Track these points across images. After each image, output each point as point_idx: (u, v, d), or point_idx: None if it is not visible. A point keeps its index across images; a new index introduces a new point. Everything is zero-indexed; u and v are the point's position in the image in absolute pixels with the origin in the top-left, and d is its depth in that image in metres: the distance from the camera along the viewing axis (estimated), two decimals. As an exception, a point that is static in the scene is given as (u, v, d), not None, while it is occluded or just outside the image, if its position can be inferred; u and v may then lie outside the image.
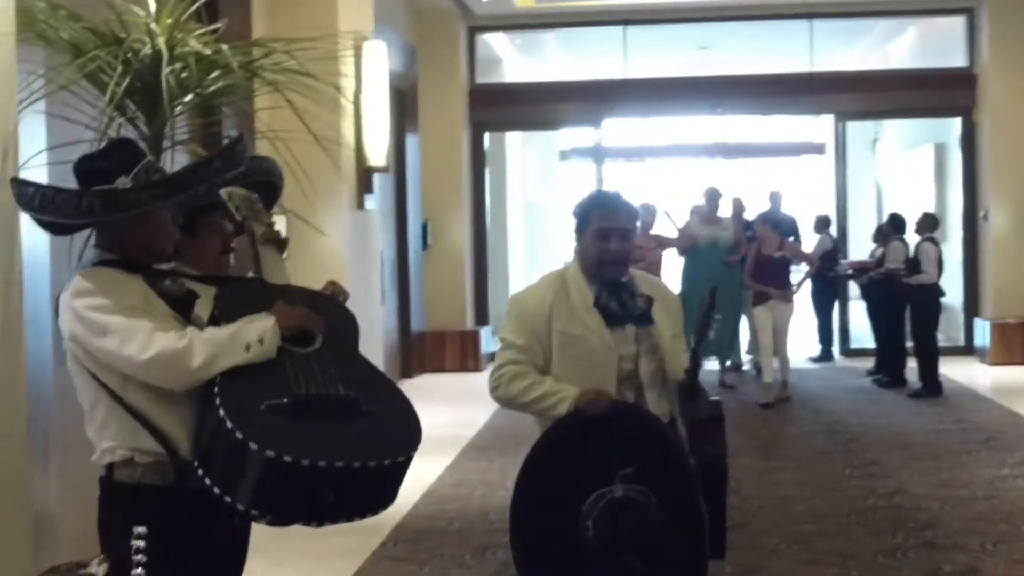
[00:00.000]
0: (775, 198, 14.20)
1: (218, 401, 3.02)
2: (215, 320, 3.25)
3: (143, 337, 3.05)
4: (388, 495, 3.17)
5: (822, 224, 14.36)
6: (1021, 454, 8.43)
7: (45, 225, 3.40)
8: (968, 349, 14.18)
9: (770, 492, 7.48)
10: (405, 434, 3.19)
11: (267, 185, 3.86)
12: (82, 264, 3.34)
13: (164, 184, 3.30)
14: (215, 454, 3.04)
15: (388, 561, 6.11)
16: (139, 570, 3.18)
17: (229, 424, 2.97)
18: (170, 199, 3.30)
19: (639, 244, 12.28)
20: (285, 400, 3.05)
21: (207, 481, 3.02)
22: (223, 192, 3.56)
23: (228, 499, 3.00)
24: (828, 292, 14.07)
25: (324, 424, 3.07)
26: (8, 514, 4.58)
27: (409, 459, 3.15)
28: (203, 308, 3.34)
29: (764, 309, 11.23)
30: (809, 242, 14.45)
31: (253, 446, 2.93)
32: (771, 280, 11.22)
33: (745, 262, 11.73)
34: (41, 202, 3.24)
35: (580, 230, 4.12)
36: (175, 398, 3.13)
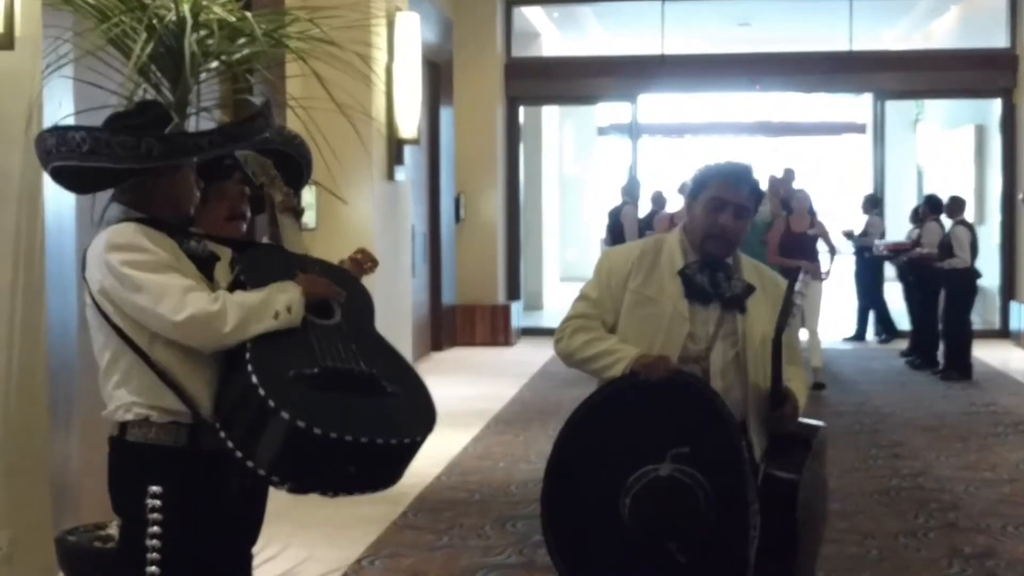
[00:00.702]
0: (788, 174, 13.56)
1: (250, 368, 3.03)
2: (240, 283, 3.27)
3: (177, 297, 3.06)
4: (398, 473, 3.23)
5: (871, 203, 14.20)
6: (1049, 438, 8.36)
7: (73, 178, 3.31)
8: (1004, 332, 14.06)
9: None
10: (423, 415, 3.24)
11: (293, 165, 3.86)
12: (107, 220, 3.31)
13: (217, 132, 3.35)
14: (240, 417, 3.05)
15: (408, 530, 6.13)
16: (155, 528, 3.16)
17: (262, 392, 2.98)
18: (224, 147, 3.36)
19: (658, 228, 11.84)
20: (315, 371, 3.08)
21: (229, 444, 3.03)
22: (239, 155, 3.58)
23: (249, 463, 3.01)
24: (873, 273, 13.93)
25: (349, 398, 3.10)
26: (28, 476, 4.64)
27: (424, 440, 3.20)
28: (220, 270, 3.38)
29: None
30: (857, 222, 14.38)
31: (285, 415, 2.95)
32: (800, 257, 10.64)
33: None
34: (93, 146, 3.13)
35: (694, 195, 3.75)
36: (201, 359, 3.14)
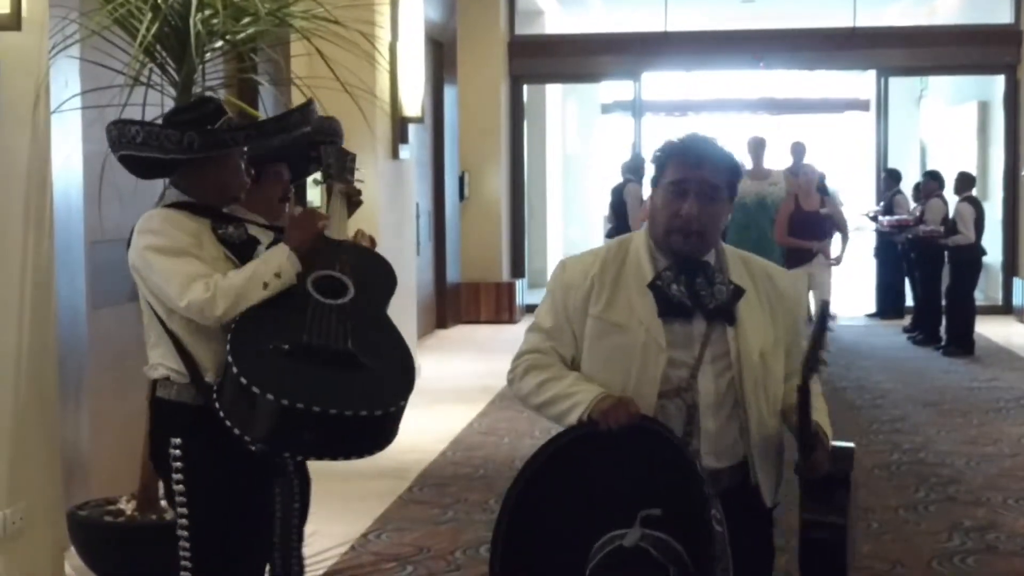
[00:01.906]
0: (798, 150, 12.82)
1: (229, 337, 3.36)
2: None
3: (181, 283, 3.38)
4: (372, 443, 3.43)
5: (894, 179, 14.06)
6: (1051, 413, 8.42)
7: (136, 165, 3.66)
8: (1006, 308, 14.09)
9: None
10: (389, 393, 3.43)
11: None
12: (164, 201, 3.67)
13: (254, 127, 3.74)
14: (226, 385, 3.36)
15: (413, 505, 6.20)
16: (178, 476, 3.47)
17: (230, 358, 3.31)
18: (259, 141, 3.67)
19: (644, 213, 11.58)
20: (286, 347, 3.35)
21: (217, 406, 3.35)
22: (322, 147, 3.93)
23: (228, 423, 3.31)
24: (890, 251, 13.89)
25: (319, 370, 3.34)
26: (39, 452, 4.69)
27: (387, 414, 3.38)
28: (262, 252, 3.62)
29: (800, 269, 9.90)
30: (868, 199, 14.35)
31: (243, 380, 3.26)
32: (809, 237, 10.23)
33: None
34: (145, 138, 3.53)
35: (654, 183, 3.12)
36: (211, 332, 3.44)
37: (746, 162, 11.21)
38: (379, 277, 3.77)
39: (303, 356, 3.36)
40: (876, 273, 14.26)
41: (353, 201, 3.94)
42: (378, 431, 3.42)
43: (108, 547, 4.96)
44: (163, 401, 3.51)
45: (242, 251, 3.57)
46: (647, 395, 2.97)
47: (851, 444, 3.16)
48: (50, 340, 4.78)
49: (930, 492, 6.37)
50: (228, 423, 3.31)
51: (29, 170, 4.62)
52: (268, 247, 3.59)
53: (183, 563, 3.51)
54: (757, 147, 11.29)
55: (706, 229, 3.02)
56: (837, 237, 10.70)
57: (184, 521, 3.48)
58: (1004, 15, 14.28)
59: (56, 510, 4.85)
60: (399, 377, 3.53)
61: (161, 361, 3.50)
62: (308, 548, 5.20)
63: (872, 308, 14.21)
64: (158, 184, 5.48)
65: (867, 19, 14.72)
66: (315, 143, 3.99)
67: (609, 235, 13.14)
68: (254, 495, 3.60)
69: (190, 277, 3.39)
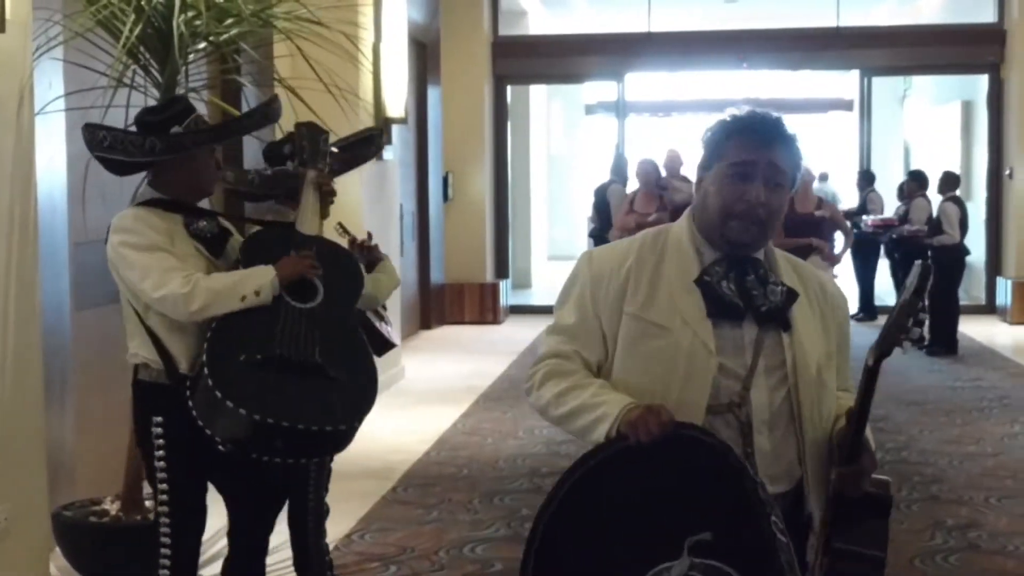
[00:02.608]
0: None
1: (206, 346, 3.53)
2: (238, 264, 3.73)
3: (157, 276, 3.55)
4: (334, 449, 3.74)
5: (866, 180, 14.15)
6: (1034, 412, 8.46)
7: (108, 164, 3.87)
8: (990, 308, 14.15)
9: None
10: (353, 407, 3.63)
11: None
12: (138, 199, 3.83)
13: (211, 131, 3.85)
14: (198, 387, 3.53)
15: (397, 505, 6.20)
16: (160, 452, 3.67)
17: (206, 370, 3.48)
18: (219, 141, 3.85)
19: (633, 210, 10.48)
20: (259, 357, 3.54)
21: (191, 404, 3.54)
22: (296, 125, 4.07)
23: (200, 423, 3.51)
24: (867, 251, 13.95)
25: (289, 382, 3.54)
26: (24, 453, 4.69)
27: (352, 429, 3.62)
28: (237, 244, 3.84)
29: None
30: (851, 198, 14.35)
31: (218, 394, 3.43)
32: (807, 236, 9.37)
33: None
34: (111, 142, 3.74)
35: (706, 166, 2.68)
36: (185, 327, 3.63)
37: None
38: (347, 277, 3.90)
39: (274, 366, 3.54)
40: (856, 274, 14.31)
41: (325, 191, 3.99)
42: (341, 439, 3.64)
43: (93, 548, 4.95)
44: (145, 383, 3.69)
45: (213, 244, 3.77)
46: (694, 408, 2.56)
47: (886, 478, 2.73)
48: (34, 341, 4.78)
49: (913, 491, 6.41)
50: (200, 423, 3.50)
51: (13, 171, 4.62)
52: (242, 243, 3.79)
53: (162, 539, 3.70)
54: None
55: (770, 219, 2.64)
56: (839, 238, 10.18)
57: (164, 497, 3.66)
58: (987, 14, 14.33)
59: (41, 511, 4.84)
60: (363, 392, 3.69)
61: (137, 351, 3.70)
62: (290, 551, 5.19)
63: (853, 309, 14.26)
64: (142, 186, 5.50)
65: (850, 19, 14.77)
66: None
67: (592, 235, 13.17)
68: (237, 470, 3.75)
69: (166, 271, 3.55)
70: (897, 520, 5.90)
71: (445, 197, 13.78)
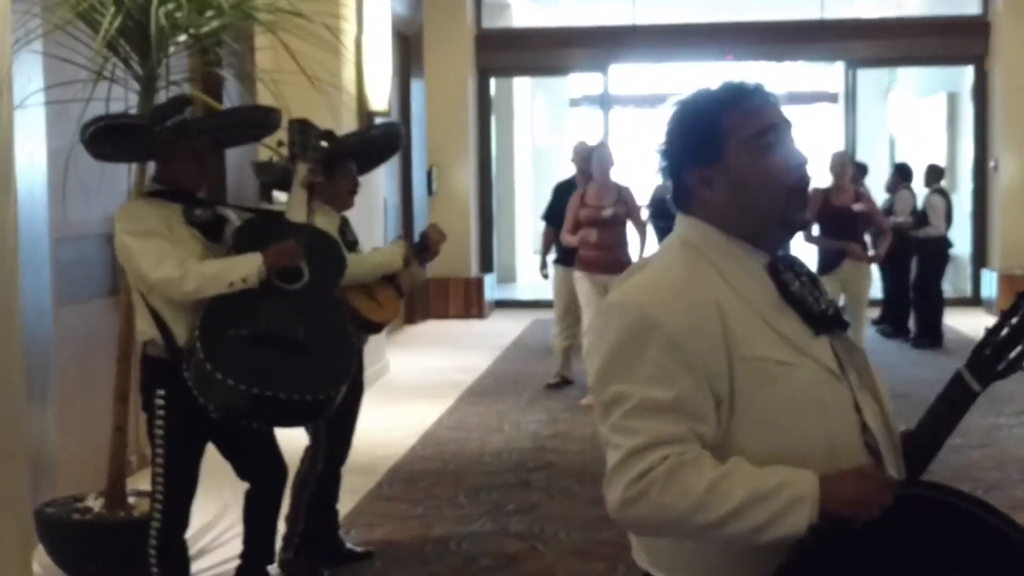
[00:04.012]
0: None
1: (199, 322, 3.93)
2: (231, 250, 4.12)
3: (154, 260, 3.94)
4: (314, 417, 4.26)
5: (901, 175, 14.10)
6: (1020, 404, 8.47)
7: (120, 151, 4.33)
8: (975, 300, 14.18)
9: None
10: (331, 378, 4.05)
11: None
12: (144, 190, 4.31)
13: (177, 128, 4.14)
14: (192, 359, 3.92)
15: (383, 501, 6.18)
16: (159, 420, 4.07)
17: (198, 344, 3.89)
18: (189, 137, 4.13)
19: (589, 204, 8.44)
20: (246, 332, 3.94)
21: (185, 375, 3.93)
22: (288, 121, 4.42)
23: (194, 392, 3.90)
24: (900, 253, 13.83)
25: (272, 355, 3.95)
26: (5, 450, 4.64)
27: (330, 399, 4.03)
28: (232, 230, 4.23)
29: (831, 279, 8.28)
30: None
31: (208, 366, 3.84)
32: (843, 240, 8.53)
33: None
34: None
35: (708, 158, 2.10)
36: (184, 306, 4.01)
37: None
38: (331, 260, 4.31)
39: (260, 342, 3.95)
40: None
41: (315, 184, 4.39)
42: (319, 408, 4.06)
43: (76, 544, 4.93)
44: (152, 358, 4.10)
45: (209, 229, 4.14)
46: (852, 452, 2.04)
47: None
48: (15, 337, 4.73)
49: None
50: (194, 392, 3.90)
51: (-9, 166, 4.57)
52: (235, 231, 4.15)
53: (155, 505, 4.10)
54: None
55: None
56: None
57: (160, 460, 4.07)
58: (972, 6, 14.35)
59: (23, 508, 4.80)
60: (342, 363, 4.12)
61: (144, 329, 4.13)
62: (277, 545, 5.18)
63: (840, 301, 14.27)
64: (122, 180, 5.45)
65: (835, 11, 14.77)
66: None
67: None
68: (226, 443, 4.22)
69: (160, 255, 3.95)
70: (883, 512, 5.89)
71: (429, 191, 13.74)
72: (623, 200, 8.45)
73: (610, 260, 8.16)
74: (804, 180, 2.12)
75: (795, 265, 2.15)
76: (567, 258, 8.87)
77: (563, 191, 9.42)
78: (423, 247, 5.08)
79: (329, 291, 4.27)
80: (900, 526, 1.93)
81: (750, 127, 2.10)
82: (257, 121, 4.41)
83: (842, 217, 8.45)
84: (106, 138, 4.15)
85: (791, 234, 2.18)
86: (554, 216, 9.34)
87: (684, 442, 1.94)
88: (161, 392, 4.05)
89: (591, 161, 8.70)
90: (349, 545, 5.30)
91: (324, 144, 4.58)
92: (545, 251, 9.73)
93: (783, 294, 2.09)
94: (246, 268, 4.00)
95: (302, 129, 4.42)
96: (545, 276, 9.67)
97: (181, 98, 4.36)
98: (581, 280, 8.47)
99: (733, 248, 2.10)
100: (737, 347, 1.99)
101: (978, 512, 2.00)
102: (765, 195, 2.09)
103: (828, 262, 8.54)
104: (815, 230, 8.51)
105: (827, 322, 2.11)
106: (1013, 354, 2.10)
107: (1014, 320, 2.10)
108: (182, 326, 4.02)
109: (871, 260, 8.71)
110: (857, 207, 8.49)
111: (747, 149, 2.09)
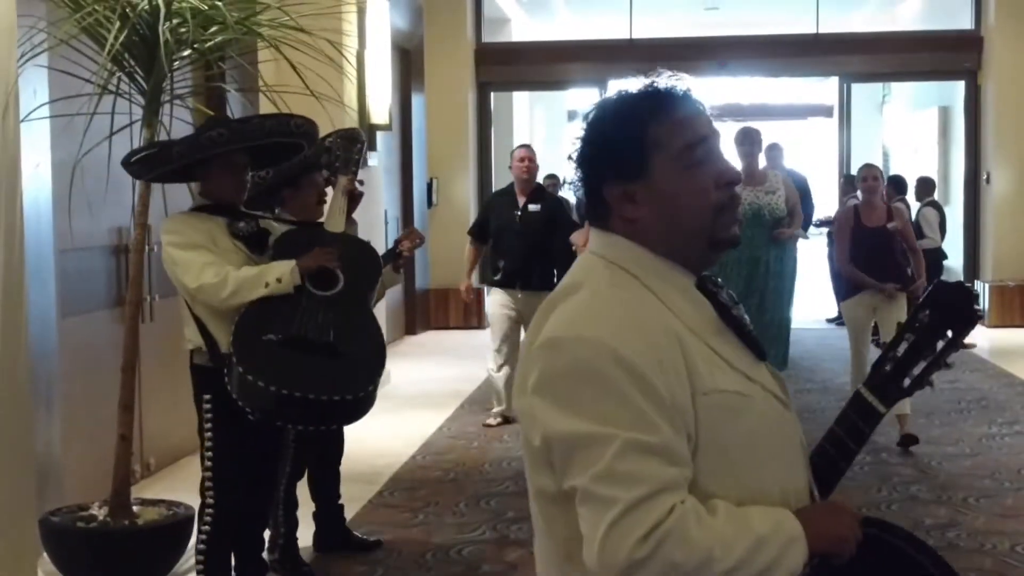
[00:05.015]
0: (775, 152, 11.63)
1: (234, 328, 4.15)
2: (272, 258, 4.35)
3: (196, 270, 4.18)
4: (341, 419, 4.45)
5: (851, 185, 14.22)
6: (1012, 413, 8.54)
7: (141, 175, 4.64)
8: (969, 311, 14.23)
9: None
10: (362, 379, 4.24)
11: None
12: (195, 204, 4.47)
13: (183, 144, 4.36)
14: (231, 363, 4.15)
15: (384, 508, 6.24)
16: (208, 424, 4.33)
17: (232, 348, 4.13)
18: (226, 148, 4.30)
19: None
20: (279, 336, 4.16)
21: (225, 379, 4.17)
22: (331, 135, 4.71)
23: (233, 395, 4.13)
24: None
25: (303, 358, 4.15)
26: (12, 460, 4.71)
27: (360, 399, 4.22)
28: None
29: (859, 304, 7.58)
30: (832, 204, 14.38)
31: (240, 369, 4.06)
32: (877, 266, 7.47)
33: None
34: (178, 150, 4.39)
35: (633, 171, 1.89)
36: (226, 314, 4.23)
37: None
38: (367, 266, 4.55)
39: (292, 346, 4.15)
40: (832, 277, 14.35)
41: (355, 196, 4.71)
42: (354, 408, 4.24)
43: (80, 553, 4.98)
44: (199, 366, 4.35)
45: (253, 242, 4.37)
46: (803, 487, 1.95)
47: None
48: (21, 348, 4.81)
49: (892, 491, 6.47)
50: (233, 396, 4.13)
51: (-1, 178, 4.65)
52: (274, 240, 4.39)
53: (206, 508, 4.36)
54: (747, 141, 8.67)
55: None
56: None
57: (209, 464, 4.33)
58: (965, 21, 14.45)
59: (28, 516, 4.87)
60: (372, 363, 4.31)
61: (191, 337, 4.34)
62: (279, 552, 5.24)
63: (832, 313, 14.34)
64: (127, 193, 5.54)
65: (829, 26, 14.86)
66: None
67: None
68: (266, 443, 4.45)
69: (203, 265, 4.17)
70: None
71: (429, 203, 13.82)
72: None
73: None
74: (735, 197, 1.93)
75: (720, 284, 2.00)
76: (507, 279, 8.13)
77: (499, 203, 8.56)
78: (394, 252, 5.16)
79: (364, 297, 4.50)
80: (858, 565, 1.89)
81: (679, 139, 1.90)
82: (275, 129, 4.44)
83: (875, 238, 7.50)
84: (148, 164, 4.44)
85: (720, 253, 1.96)
86: (483, 232, 8.50)
87: (682, 488, 1.76)
88: (207, 397, 4.31)
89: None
90: (358, 534, 5.58)
91: (364, 165, 4.85)
92: (470, 269, 8.72)
93: (722, 316, 1.92)
94: (280, 270, 4.23)
95: (346, 143, 4.72)
96: (469, 299, 8.99)
97: (214, 119, 4.69)
98: None
99: (662, 267, 1.91)
100: (698, 380, 1.81)
101: (916, 555, 2.00)
102: (694, 213, 1.91)
103: (854, 287, 7.68)
104: (846, 254, 7.64)
105: (757, 346, 1.96)
106: (917, 369, 1.99)
107: (911, 335, 1.99)
108: (224, 334, 4.24)
109: (911, 293, 7.47)
110: (891, 226, 7.53)
111: (675, 163, 1.90)
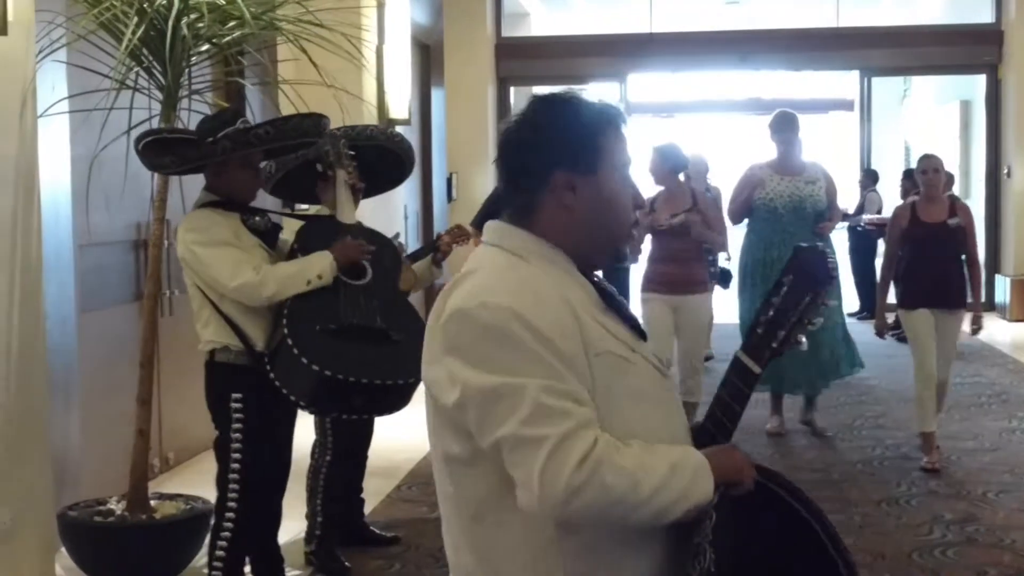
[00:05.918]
0: (700, 167, 10.42)
1: (284, 321, 4.13)
2: (295, 252, 4.36)
3: (230, 268, 4.11)
4: (401, 403, 4.32)
5: (870, 179, 14.18)
6: (1033, 408, 8.50)
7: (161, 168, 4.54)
8: (989, 305, 14.17)
9: (780, 441, 7.58)
10: (416, 361, 4.08)
11: (391, 157, 5.19)
12: (196, 202, 4.36)
13: (230, 138, 4.26)
14: (279, 358, 4.13)
15: (402, 503, 6.25)
16: (237, 425, 4.24)
17: (290, 341, 4.07)
18: (238, 152, 4.26)
19: (653, 211, 7.20)
20: (333, 326, 4.18)
21: (271, 376, 4.14)
22: (327, 134, 4.65)
23: (284, 391, 4.13)
24: (866, 248, 13.94)
25: (360, 346, 4.19)
26: (29, 454, 4.73)
27: (418, 381, 4.07)
28: (288, 235, 4.50)
29: (925, 320, 6.85)
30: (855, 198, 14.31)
31: (304, 360, 4.03)
32: (933, 272, 6.81)
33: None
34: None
35: (589, 161, 2.09)
36: (258, 311, 4.21)
37: (770, 150, 7.86)
38: (387, 255, 4.59)
39: (346, 334, 4.18)
40: (854, 272, 14.30)
41: (356, 188, 4.71)
42: (407, 393, 4.26)
43: (98, 547, 5.00)
44: (225, 365, 4.26)
45: (267, 237, 4.36)
46: (686, 439, 2.12)
47: None
48: (40, 343, 4.82)
49: (911, 486, 6.45)
50: (284, 390, 4.12)
51: (16, 174, 4.66)
52: (297, 233, 4.41)
53: (228, 512, 4.27)
54: (786, 127, 7.72)
55: None
56: None
57: (236, 466, 4.24)
58: (985, 15, 14.37)
59: (46, 511, 4.88)
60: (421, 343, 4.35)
61: (213, 338, 4.24)
62: (297, 547, 5.27)
63: (854, 307, 14.27)
64: (145, 188, 5.55)
65: (850, 20, 14.80)
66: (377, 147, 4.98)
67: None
68: (290, 443, 4.50)
69: (237, 263, 4.12)
70: (895, 515, 5.94)
71: (449, 197, 13.82)
72: (697, 206, 7.19)
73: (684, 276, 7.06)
74: (636, 221, 2.20)
75: (599, 276, 2.20)
76: None
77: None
78: (434, 247, 5.31)
79: (392, 283, 4.56)
80: (759, 503, 2.07)
81: (621, 154, 2.13)
82: (311, 129, 4.47)
83: (937, 234, 6.81)
84: (161, 149, 4.33)
85: (605, 262, 2.19)
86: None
87: (597, 425, 1.94)
88: (237, 396, 4.23)
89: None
90: (375, 530, 5.60)
91: (352, 153, 4.81)
92: None
93: (606, 301, 2.11)
94: (319, 266, 4.24)
95: (332, 142, 4.71)
96: None
97: (232, 111, 4.59)
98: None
99: (551, 254, 2.09)
100: (590, 343, 2.00)
101: (800, 508, 2.13)
102: (620, 220, 2.13)
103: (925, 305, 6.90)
104: (892, 258, 7.01)
105: (642, 329, 2.17)
106: (782, 332, 2.12)
107: (776, 300, 2.13)
108: (258, 331, 4.22)
109: (973, 312, 7.04)
110: (952, 221, 6.83)
111: (615, 173, 2.11)
